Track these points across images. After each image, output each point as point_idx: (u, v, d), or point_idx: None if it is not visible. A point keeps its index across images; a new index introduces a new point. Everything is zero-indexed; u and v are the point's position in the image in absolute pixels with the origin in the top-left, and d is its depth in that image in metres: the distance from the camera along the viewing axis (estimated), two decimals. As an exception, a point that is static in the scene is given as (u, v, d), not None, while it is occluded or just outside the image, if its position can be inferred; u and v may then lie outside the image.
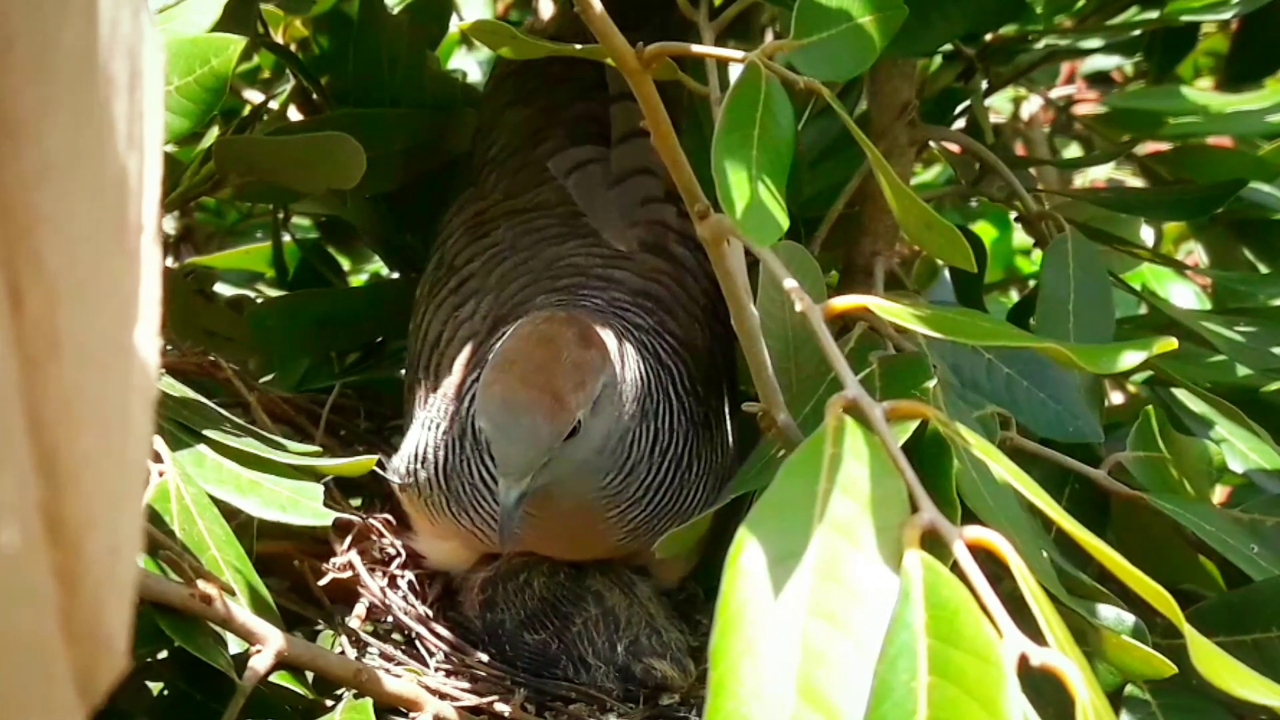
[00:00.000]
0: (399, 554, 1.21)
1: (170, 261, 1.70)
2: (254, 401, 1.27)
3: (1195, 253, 1.78)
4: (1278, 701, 0.68)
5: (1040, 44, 1.36)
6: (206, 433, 1.08)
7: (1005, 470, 0.70)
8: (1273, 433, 1.14)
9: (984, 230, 1.84)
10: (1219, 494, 1.37)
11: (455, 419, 1.11)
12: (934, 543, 0.61)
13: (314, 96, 1.43)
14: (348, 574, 1.16)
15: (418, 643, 1.15)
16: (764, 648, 0.57)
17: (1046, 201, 1.26)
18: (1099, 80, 1.94)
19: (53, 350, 0.40)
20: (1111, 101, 1.65)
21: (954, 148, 1.42)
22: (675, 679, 1.11)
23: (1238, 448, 1.14)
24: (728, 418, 1.18)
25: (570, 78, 1.33)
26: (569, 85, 1.34)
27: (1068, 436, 1.04)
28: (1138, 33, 1.44)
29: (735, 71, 0.82)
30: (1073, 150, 1.87)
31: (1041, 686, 0.59)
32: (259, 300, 1.62)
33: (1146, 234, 1.72)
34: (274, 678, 0.99)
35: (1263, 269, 1.38)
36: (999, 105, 1.97)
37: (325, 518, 1.05)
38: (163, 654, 1.02)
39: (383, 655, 1.13)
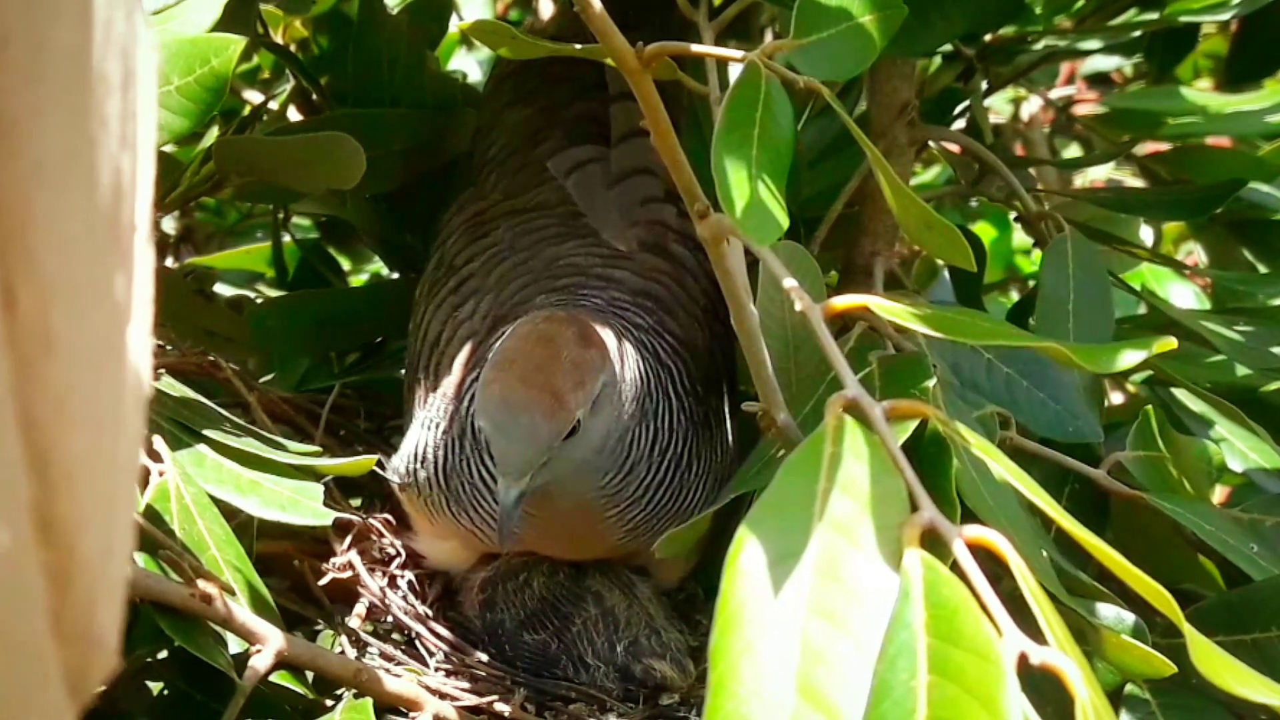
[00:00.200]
0: (399, 554, 1.21)
1: (170, 261, 1.70)
2: (254, 401, 1.28)
3: (1195, 253, 1.78)
4: (1277, 701, 0.68)
5: (1040, 44, 1.36)
6: (206, 432, 1.08)
7: (1005, 470, 0.70)
8: (1272, 432, 1.14)
9: (984, 230, 1.84)
10: (1219, 493, 1.37)
11: (455, 418, 1.11)
12: (934, 542, 0.61)
13: (314, 97, 1.43)
14: (348, 574, 1.16)
15: (417, 642, 1.15)
16: (764, 647, 0.57)
17: (1046, 201, 1.26)
18: (1099, 81, 1.94)
19: (45, 350, 0.40)
20: (1111, 102, 1.65)
21: (954, 148, 1.42)
22: (675, 679, 1.11)
23: (1237, 447, 1.14)
24: (727, 417, 1.18)
25: (570, 78, 1.33)
26: (569, 85, 1.34)
27: (1067, 436, 1.04)
28: (1138, 33, 1.44)
29: (735, 71, 0.82)
30: (1072, 150, 1.87)
31: (1041, 685, 0.59)
32: (259, 300, 1.62)
33: (1146, 234, 1.72)
34: (274, 677, 0.99)
35: (1262, 269, 1.38)
36: (999, 105, 1.97)
37: (325, 517, 1.05)
38: (163, 654, 1.02)
39: (383, 655, 1.13)
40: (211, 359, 1.29)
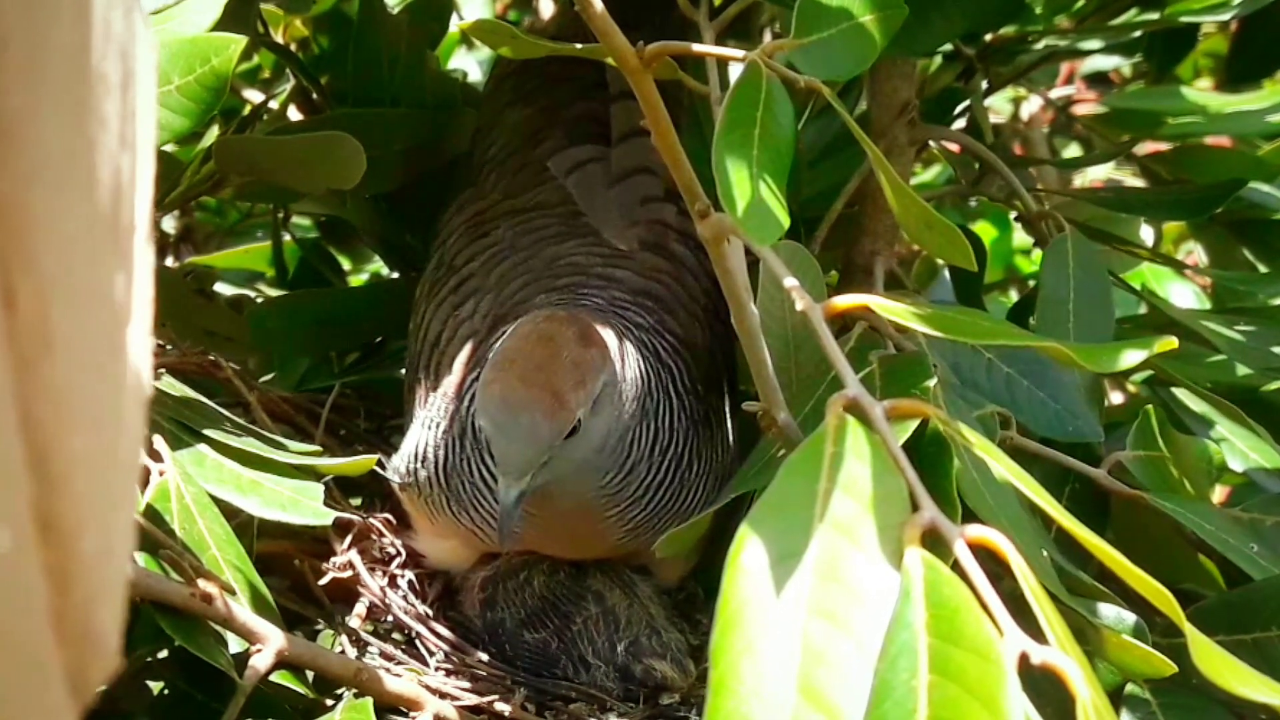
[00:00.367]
0: (399, 553, 1.21)
1: (170, 261, 1.70)
2: (254, 401, 1.28)
3: (1195, 252, 1.77)
4: (1278, 700, 0.68)
5: (1040, 44, 1.36)
6: (207, 432, 1.08)
7: (1006, 469, 0.70)
8: (1273, 432, 1.14)
9: (984, 230, 1.84)
10: (1219, 493, 1.37)
11: (455, 418, 1.11)
12: (935, 542, 0.61)
13: (314, 96, 1.43)
14: (348, 573, 1.16)
15: (418, 642, 1.15)
16: (764, 647, 0.57)
17: (1046, 201, 1.26)
18: (1098, 80, 1.94)
19: (45, 350, 0.40)
20: (1111, 101, 1.65)
21: (954, 147, 1.42)
22: (675, 679, 1.11)
23: (1238, 447, 1.14)
24: (728, 417, 1.18)
25: (570, 77, 1.33)
26: (569, 85, 1.34)
27: (1068, 436, 1.04)
28: (1138, 33, 1.44)
29: (735, 71, 0.82)
30: (1072, 150, 1.87)
31: (1042, 685, 0.59)
32: (259, 300, 1.62)
33: (1146, 234, 1.72)
34: (274, 677, 0.99)
35: (1262, 269, 1.38)
36: (999, 105, 1.96)
37: (325, 517, 1.05)
38: (163, 653, 1.02)
39: (383, 655, 1.13)
40: (211, 358, 1.29)
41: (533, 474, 1.00)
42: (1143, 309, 1.41)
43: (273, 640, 0.97)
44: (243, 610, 0.97)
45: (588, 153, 1.28)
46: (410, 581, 1.19)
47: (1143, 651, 0.83)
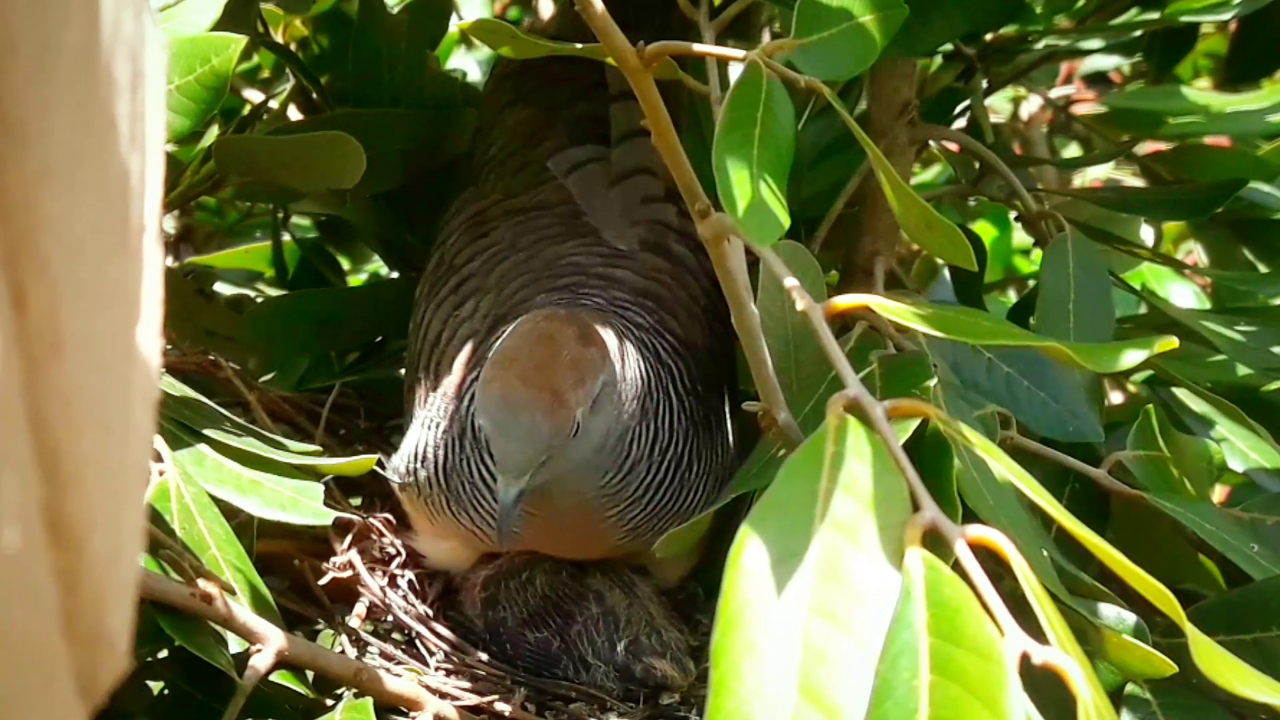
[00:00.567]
0: (399, 553, 1.21)
1: (170, 261, 1.70)
2: (254, 401, 1.28)
3: (1195, 252, 1.77)
4: (1278, 700, 0.68)
5: (1040, 44, 1.36)
6: (207, 432, 1.08)
7: (1006, 469, 0.70)
8: (1273, 432, 1.14)
9: (984, 230, 1.84)
10: (1219, 493, 1.37)
11: (455, 418, 1.11)
12: (935, 541, 0.61)
13: (314, 96, 1.43)
14: (348, 573, 1.16)
15: (418, 642, 1.15)
16: (765, 646, 0.57)
17: (1046, 201, 1.26)
18: (1097, 80, 1.94)
19: (55, 350, 0.40)
20: (1111, 101, 1.65)
21: (954, 147, 1.42)
22: (675, 678, 1.11)
23: (1238, 447, 1.14)
24: (728, 417, 1.18)
25: (570, 77, 1.33)
26: (569, 85, 1.34)
27: (1068, 436, 1.04)
28: (1138, 33, 1.44)
29: (735, 71, 0.82)
30: (1072, 150, 1.87)
31: (1043, 685, 0.59)
32: (259, 300, 1.62)
33: (1146, 234, 1.72)
34: (274, 677, 0.99)
35: (1262, 268, 1.38)
36: (999, 105, 1.96)
37: (325, 517, 1.05)
38: (163, 653, 1.02)
39: (383, 655, 1.13)
40: (211, 358, 1.29)
41: (532, 473, 1.00)
42: (1143, 309, 1.41)
43: (273, 640, 0.97)
44: (243, 610, 0.97)
45: (588, 153, 1.28)
46: (410, 581, 1.19)
47: (1143, 651, 0.84)
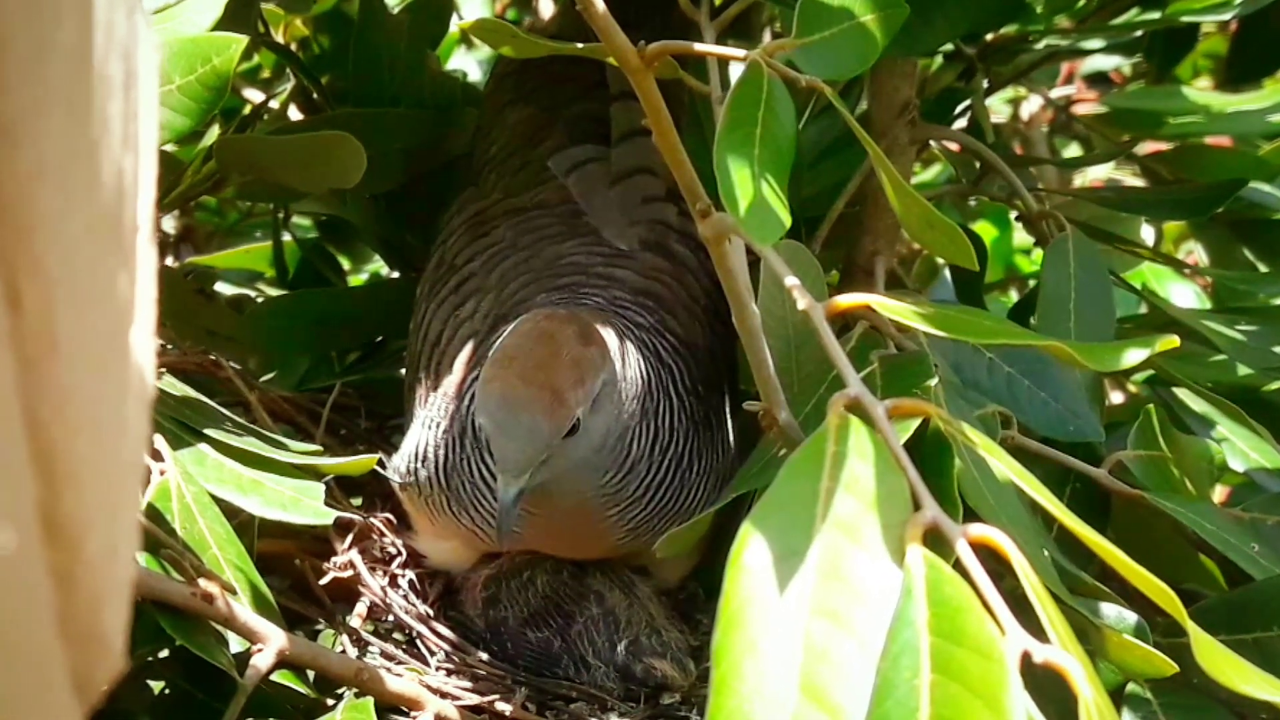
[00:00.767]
0: (400, 553, 1.21)
1: (170, 261, 1.70)
2: (255, 400, 1.28)
3: (1195, 252, 1.77)
4: (1279, 698, 0.68)
5: (1040, 44, 1.36)
6: (208, 432, 1.08)
7: (1007, 468, 0.70)
8: (1273, 432, 1.14)
9: (984, 229, 1.84)
10: (1220, 493, 1.37)
11: (455, 418, 1.11)
12: (936, 541, 0.61)
13: (314, 96, 1.43)
14: (349, 573, 1.16)
15: (419, 642, 1.15)
16: (767, 646, 0.57)
17: (1047, 201, 1.26)
18: (1098, 80, 1.94)
19: (50, 350, 0.40)
20: (1111, 101, 1.65)
21: (954, 147, 1.42)
22: (675, 679, 1.11)
23: (1238, 447, 1.14)
24: (729, 417, 1.18)
25: (571, 77, 1.33)
26: (570, 84, 1.34)
27: (1069, 435, 1.04)
28: (1138, 33, 1.44)
29: (736, 70, 0.82)
30: (1072, 150, 1.87)
31: (1044, 684, 0.59)
32: (259, 300, 1.62)
33: (1147, 233, 1.72)
34: (275, 676, 0.99)
35: (1263, 268, 1.38)
36: (999, 105, 1.96)
37: (326, 517, 1.05)
38: (164, 653, 1.02)
39: (384, 654, 1.13)
40: (212, 358, 1.29)
41: (532, 472, 1.00)
42: (1143, 308, 1.41)
43: (274, 640, 0.97)
44: (244, 610, 0.97)
45: (588, 152, 1.28)
46: (411, 581, 1.19)
47: (1144, 651, 0.84)
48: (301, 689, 1.02)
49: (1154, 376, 1.23)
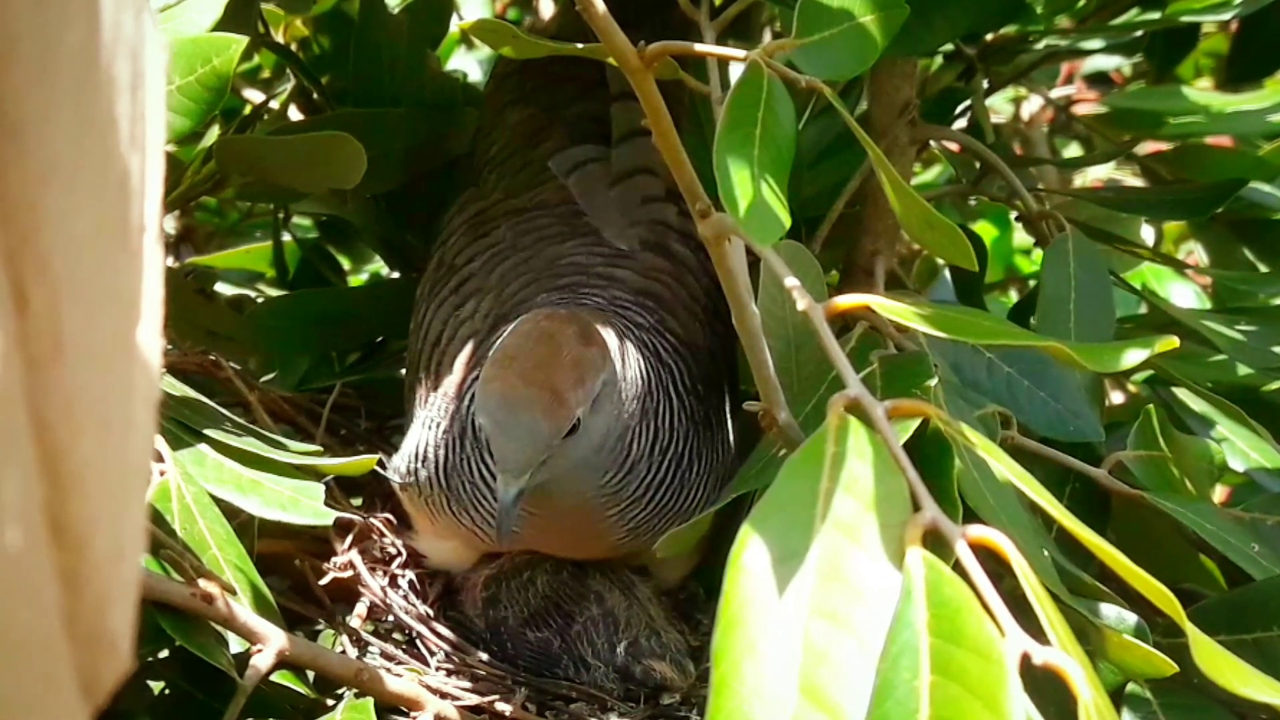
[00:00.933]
0: (400, 553, 1.21)
1: (170, 261, 1.70)
2: (255, 401, 1.28)
3: (1195, 252, 1.78)
4: (1279, 699, 0.68)
5: (1040, 44, 1.36)
6: (207, 432, 1.08)
7: (1007, 469, 0.70)
8: (1274, 432, 1.14)
9: (984, 230, 1.84)
10: (1220, 493, 1.37)
11: (455, 418, 1.11)
12: (936, 541, 0.61)
13: (314, 96, 1.43)
14: (348, 573, 1.16)
15: (419, 642, 1.15)
16: (766, 647, 0.57)
17: (1047, 201, 1.26)
18: (1098, 80, 1.94)
19: (56, 351, 0.40)
20: (1111, 101, 1.65)
21: (954, 147, 1.42)
22: (675, 680, 1.11)
23: (1238, 447, 1.14)
24: (729, 417, 1.18)
25: (571, 77, 1.33)
26: (570, 84, 1.34)
27: (1068, 435, 1.04)
28: (1138, 33, 1.44)
29: (736, 71, 0.82)
30: (1072, 150, 1.87)
31: (1043, 685, 0.59)
32: (259, 300, 1.62)
33: (1147, 233, 1.72)
34: (275, 677, 0.99)
35: (1263, 268, 1.38)
36: (999, 105, 1.96)
37: (326, 517, 1.05)
38: (164, 653, 1.02)
39: (384, 654, 1.13)
40: (212, 358, 1.29)
41: (532, 472, 1.00)
42: (1143, 309, 1.41)
43: (273, 640, 0.97)
44: (243, 610, 0.97)
45: (588, 152, 1.28)
46: (411, 581, 1.19)
47: (1144, 651, 0.84)
48: (301, 689, 1.02)
49: (1154, 376, 1.23)
